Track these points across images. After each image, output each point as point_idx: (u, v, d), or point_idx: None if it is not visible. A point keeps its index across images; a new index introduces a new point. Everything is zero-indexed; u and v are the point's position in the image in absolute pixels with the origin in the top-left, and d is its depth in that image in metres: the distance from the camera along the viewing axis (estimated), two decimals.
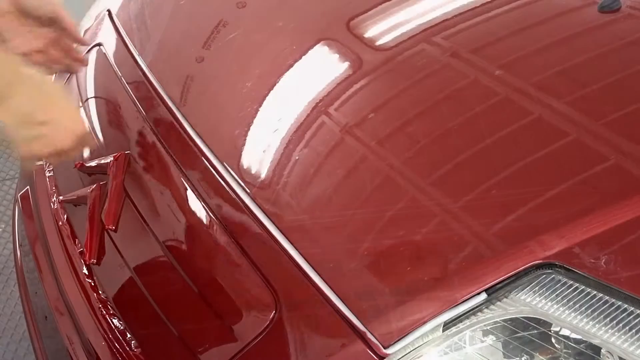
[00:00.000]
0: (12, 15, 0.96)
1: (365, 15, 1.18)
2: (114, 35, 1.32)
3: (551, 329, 0.76)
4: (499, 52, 1.05)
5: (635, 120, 0.90)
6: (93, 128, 1.27)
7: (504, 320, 0.77)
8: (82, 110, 0.96)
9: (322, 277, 0.83)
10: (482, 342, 0.78)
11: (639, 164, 0.84)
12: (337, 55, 1.12)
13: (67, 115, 0.91)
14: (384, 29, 1.14)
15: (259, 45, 1.16)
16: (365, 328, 0.77)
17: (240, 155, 1.00)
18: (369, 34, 1.14)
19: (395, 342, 0.76)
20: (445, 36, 1.08)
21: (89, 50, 1.33)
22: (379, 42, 1.12)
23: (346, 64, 1.09)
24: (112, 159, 1.15)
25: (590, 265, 0.75)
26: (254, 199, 0.94)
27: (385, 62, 1.07)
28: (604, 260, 0.75)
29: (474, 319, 0.77)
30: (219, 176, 0.99)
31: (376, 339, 0.77)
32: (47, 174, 1.35)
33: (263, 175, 0.97)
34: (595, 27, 1.08)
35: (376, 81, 1.05)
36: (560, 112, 0.91)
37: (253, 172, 0.98)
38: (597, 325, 0.73)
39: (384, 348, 0.76)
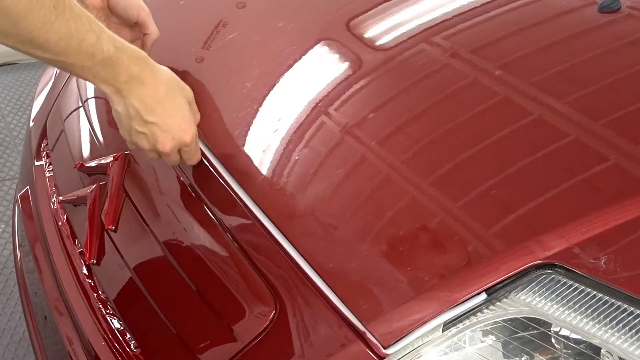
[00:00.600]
0: (102, 12, 1.03)
1: (365, 15, 1.18)
2: None
3: (551, 329, 0.76)
4: (499, 52, 1.05)
5: (635, 120, 0.90)
6: (93, 128, 1.27)
7: (504, 321, 0.77)
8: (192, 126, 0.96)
9: (322, 277, 0.83)
10: (482, 342, 0.78)
11: (639, 164, 0.84)
12: (337, 56, 1.12)
13: (177, 124, 0.93)
14: (384, 29, 1.14)
15: (258, 45, 1.16)
16: (365, 328, 0.77)
17: (240, 154, 1.00)
18: (369, 34, 1.14)
19: (395, 342, 0.76)
20: (445, 36, 1.08)
21: None
22: (379, 42, 1.12)
23: (346, 64, 1.09)
24: (112, 159, 1.15)
25: (590, 265, 0.75)
26: (253, 199, 0.94)
27: (385, 62, 1.07)
28: (604, 260, 0.75)
29: (474, 319, 0.77)
30: (219, 176, 0.99)
31: (376, 339, 0.77)
32: (47, 174, 1.35)
33: (263, 175, 0.97)
34: (595, 27, 1.08)
35: (376, 81, 1.05)
36: (560, 112, 0.91)
37: (253, 171, 0.98)
38: (597, 325, 0.73)
39: (384, 348, 0.76)
